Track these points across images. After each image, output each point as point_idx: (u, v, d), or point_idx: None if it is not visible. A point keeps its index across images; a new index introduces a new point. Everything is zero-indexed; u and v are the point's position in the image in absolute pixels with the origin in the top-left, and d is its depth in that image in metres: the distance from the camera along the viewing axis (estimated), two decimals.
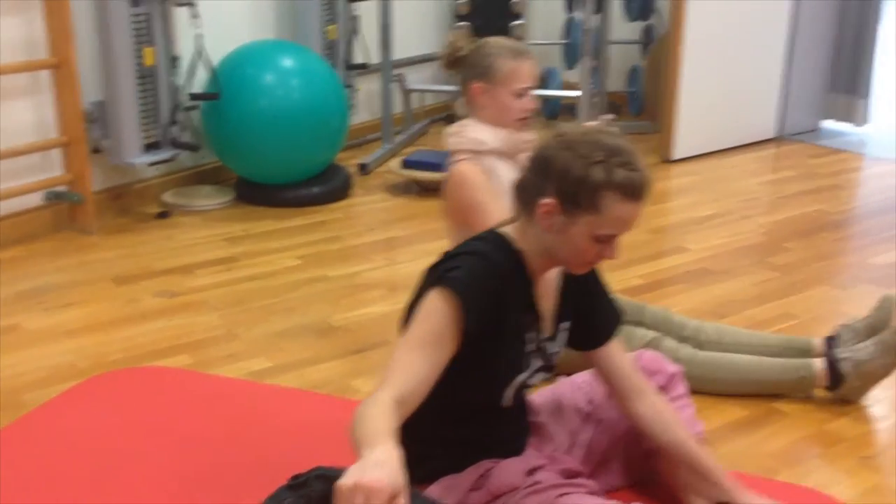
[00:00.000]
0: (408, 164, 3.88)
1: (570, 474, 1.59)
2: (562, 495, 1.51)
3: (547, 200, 1.43)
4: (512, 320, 1.48)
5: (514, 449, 1.62)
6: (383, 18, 4.27)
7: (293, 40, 4.01)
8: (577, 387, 1.75)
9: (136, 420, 2.08)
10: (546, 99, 5.12)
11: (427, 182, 3.89)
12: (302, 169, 3.75)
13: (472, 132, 2.12)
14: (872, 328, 2.25)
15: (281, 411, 2.16)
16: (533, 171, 1.48)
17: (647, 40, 4.95)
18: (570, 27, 4.99)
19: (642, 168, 1.44)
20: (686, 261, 3.17)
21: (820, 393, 2.25)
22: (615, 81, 5.06)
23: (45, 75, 3.31)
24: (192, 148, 3.57)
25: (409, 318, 1.47)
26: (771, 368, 2.22)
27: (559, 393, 1.76)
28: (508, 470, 1.55)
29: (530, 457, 1.61)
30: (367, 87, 4.57)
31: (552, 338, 1.60)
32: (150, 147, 3.49)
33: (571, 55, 4.97)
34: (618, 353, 1.66)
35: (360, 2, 4.25)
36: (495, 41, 2.13)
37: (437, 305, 1.40)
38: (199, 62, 3.47)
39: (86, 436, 2.00)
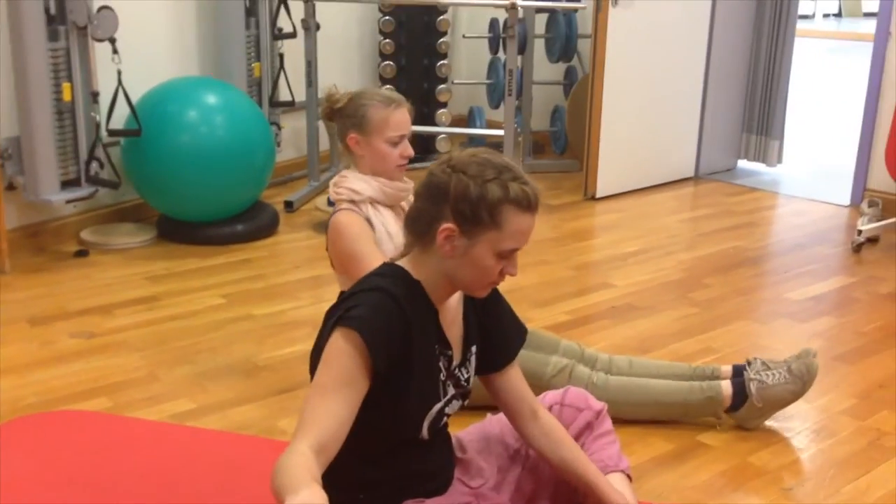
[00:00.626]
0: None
1: None
2: None
3: (446, 225, 1.44)
4: (421, 351, 1.47)
5: (440, 484, 1.60)
6: (308, 56, 4.28)
7: (217, 77, 3.97)
8: (506, 423, 1.75)
9: (51, 466, 2.00)
10: (471, 137, 5.18)
11: None
12: (226, 206, 3.69)
13: (350, 182, 2.16)
14: (794, 380, 2.31)
15: (204, 454, 2.10)
16: (426, 200, 1.49)
17: (569, 81, 5.07)
18: (494, 67, 5.08)
19: (531, 181, 1.50)
20: (611, 297, 3.22)
21: (731, 429, 2.30)
22: (539, 121, 5.15)
23: None
24: (111, 185, 3.49)
25: (314, 362, 1.45)
26: (679, 391, 2.29)
27: (487, 429, 1.76)
28: None
29: (456, 493, 1.60)
30: (293, 125, 4.55)
31: (463, 363, 1.60)
32: (68, 184, 3.40)
33: (496, 95, 5.05)
34: (515, 374, 1.67)
35: (285, 39, 4.24)
36: (370, 91, 2.20)
37: (341, 346, 1.38)
38: (120, 98, 3.41)
39: (1, 483, 1.91)
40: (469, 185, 1.44)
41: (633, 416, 2.29)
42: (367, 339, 1.38)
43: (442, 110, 5.03)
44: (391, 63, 4.93)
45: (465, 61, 5.61)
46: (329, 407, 1.35)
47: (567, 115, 4.98)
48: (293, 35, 4.26)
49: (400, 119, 2.15)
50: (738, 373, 2.33)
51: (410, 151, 2.20)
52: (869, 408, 2.43)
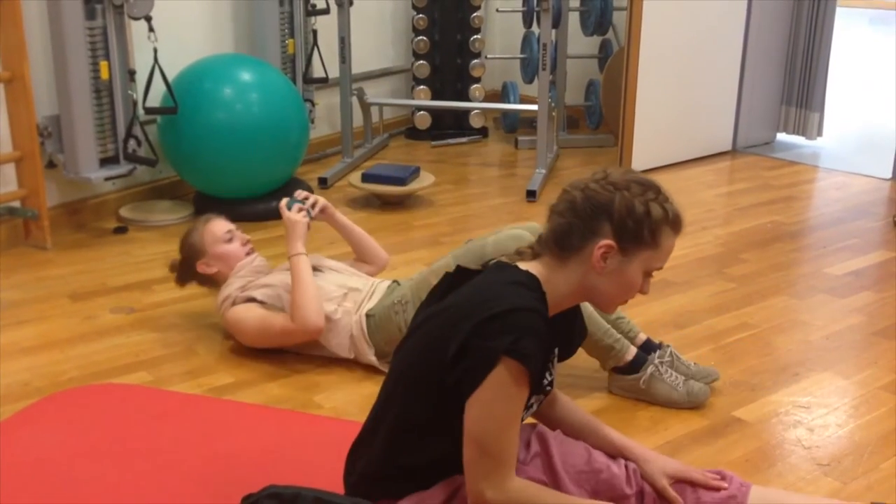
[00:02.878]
0: (367, 178, 3.88)
1: (539, 482, 1.59)
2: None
3: (606, 242, 1.46)
4: (544, 363, 1.50)
5: None
6: (342, 32, 4.27)
7: (251, 54, 3.99)
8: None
9: (93, 439, 2.04)
10: (505, 113, 5.15)
11: (387, 196, 3.88)
12: (261, 183, 3.72)
13: (221, 294, 2.58)
14: (687, 374, 2.33)
15: (241, 428, 2.13)
16: (581, 215, 1.48)
17: (604, 55, 5.02)
18: (528, 41, 5.04)
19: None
20: None
21: (768, 405, 2.29)
22: (573, 95, 5.11)
23: None
24: (148, 162, 3.53)
25: (410, 351, 1.50)
26: (599, 327, 2.28)
27: None
28: None
29: None
30: (327, 102, 4.56)
31: (551, 369, 1.61)
32: (107, 161, 3.44)
33: (530, 69, 5.01)
34: None
35: (318, 16, 4.24)
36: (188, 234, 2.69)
37: (513, 380, 1.38)
38: (156, 76, 3.44)
39: (43, 455, 1.96)
40: (634, 204, 1.47)
41: None
42: (532, 372, 1.40)
43: (475, 85, 5.00)
44: (424, 38, 4.91)
45: (499, 35, 5.57)
46: (517, 438, 1.44)
47: (602, 89, 4.93)
48: (326, 11, 4.26)
49: (218, 226, 2.64)
50: (647, 349, 2.34)
51: (242, 240, 2.68)
52: None
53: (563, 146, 4.84)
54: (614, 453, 1.65)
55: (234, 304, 2.52)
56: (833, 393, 2.36)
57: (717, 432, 2.17)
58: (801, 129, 4.94)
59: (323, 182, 4.13)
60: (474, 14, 4.94)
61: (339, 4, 4.23)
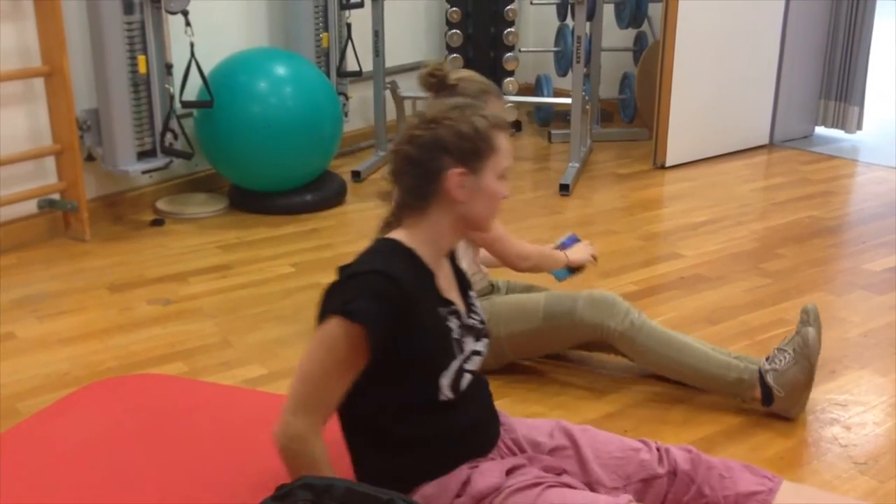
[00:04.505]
0: None
1: (551, 470, 1.60)
2: (547, 488, 1.50)
3: (453, 171, 1.51)
4: (426, 320, 1.51)
5: (483, 441, 1.60)
6: (375, 26, 4.28)
7: (286, 48, 4.01)
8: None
9: (130, 428, 2.07)
10: (538, 106, 5.13)
11: None
12: (295, 176, 3.75)
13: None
14: (802, 355, 2.20)
15: (275, 419, 2.15)
16: (416, 165, 1.53)
17: (639, 48, 4.97)
18: (562, 34, 5.01)
19: None
20: (680, 267, 3.17)
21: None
22: (607, 88, 5.07)
23: (38, 83, 3.30)
24: (185, 156, 3.57)
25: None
26: (718, 363, 2.22)
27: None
28: (489, 472, 1.55)
29: (510, 458, 1.61)
30: (360, 95, 4.57)
31: (470, 310, 1.62)
32: (144, 155, 3.49)
33: (563, 62, 4.98)
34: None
35: (352, 9, 4.26)
36: None
37: (342, 335, 1.44)
38: (192, 70, 3.47)
39: (81, 444, 1.99)
40: (460, 128, 1.52)
41: (660, 369, 2.27)
42: (368, 329, 1.43)
43: (509, 79, 4.99)
44: (458, 31, 4.90)
45: (533, 28, 5.55)
46: (334, 391, 1.48)
47: (636, 83, 4.89)
48: (360, 5, 4.27)
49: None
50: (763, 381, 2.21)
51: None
52: None
53: (597, 140, 4.81)
54: None
55: None
56: (870, 391, 2.33)
57: (752, 429, 2.15)
58: (840, 123, 4.86)
59: (356, 175, 4.15)
60: (508, 7, 4.92)
61: None
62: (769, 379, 2.16)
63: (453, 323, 1.55)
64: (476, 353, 1.59)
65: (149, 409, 2.19)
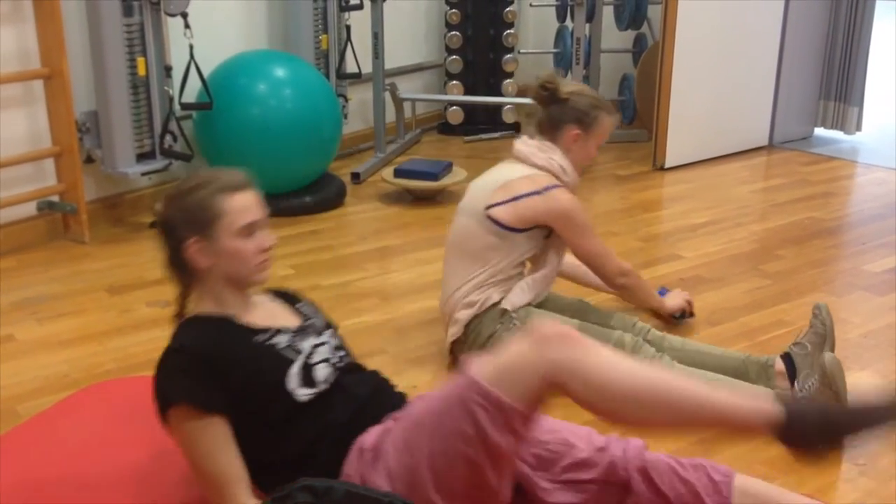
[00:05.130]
0: (400, 174, 3.89)
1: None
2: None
3: (189, 242, 1.64)
4: (241, 350, 1.61)
5: (376, 416, 1.65)
6: (375, 28, 4.28)
7: (285, 50, 4.01)
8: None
9: (129, 430, 2.07)
10: None
11: (419, 191, 3.89)
12: (295, 178, 3.75)
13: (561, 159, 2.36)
14: (820, 337, 2.22)
15: None
16: (164, 242, 1.70)
17: (639, 49, 4.98)
18: (561, 36, 5.01)
19: (229, 171, 1.71)
20: (680, 268, 3.17)
21: None
22: (607, 90, 5.07)
23: (37, 85, 3.30)
24: (184, 158, 3.57)
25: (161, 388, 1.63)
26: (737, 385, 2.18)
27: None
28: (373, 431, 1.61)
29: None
30: (360, 97, 4.58)
31: (306, 320, 1.74)
32: (143, 157, 3.49)
33: (563, 64, 4.99)
34: None
35: (351, 11, 4.26)
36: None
37: (183, 420, 1.57)
38: (192, 72, 3.47)
39: (80, 446, 1.99)
40: (184, 201, 1.65)
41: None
42: (198, 402, 1.55)
43: (508, 80, 4.99)
44: (457, 33, 4.91)
45: (533, 30, 5.55)
46: (229, 458, 1.57)
47: (636, 84, 4.90)
48: (360, 6, 4.27)
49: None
50: (789, 364, 2.21)
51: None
52: None
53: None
54: None
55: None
56: (870, 392, 2.32)
57: None
58: (839, 124, 4.87)
59: (356, 177, 4.15)
60: (507, 9, 4.93)
61: (373, 0, 4.24)
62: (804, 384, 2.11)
63: (279, 338, 1.66)
64: (320, 344, 1.69)
65: (148, 411, 2.18)
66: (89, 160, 3.47)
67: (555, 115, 2.31)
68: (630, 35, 5.01)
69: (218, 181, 1.65)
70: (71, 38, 3.28)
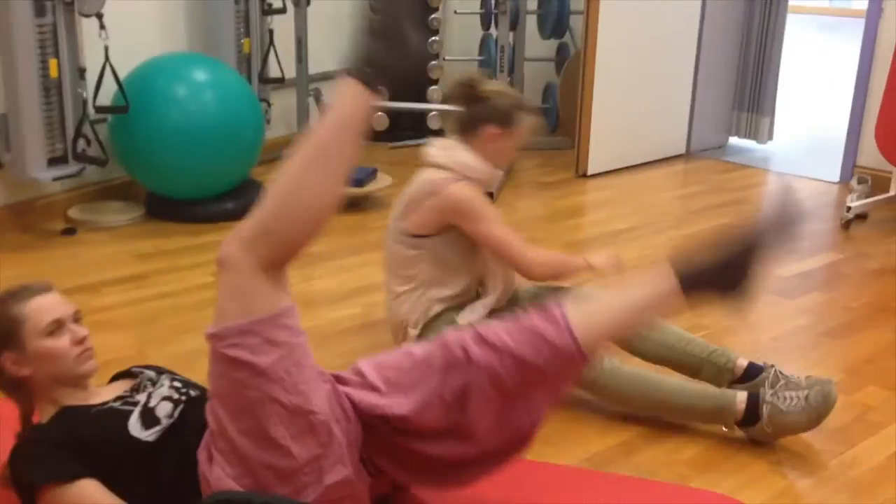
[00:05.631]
0: None
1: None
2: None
3: (2, 359, 1.66)
4: (85, 424, 1.63)
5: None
6: (298, 32, 4.24)
7: (206, 53, 3.94)
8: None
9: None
10: None
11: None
12: (216, 184, 3.68)
13: (461, 156, 2.33)
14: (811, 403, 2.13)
15: None
16: None
17: (561, 58, 5.05)
18: (486, 44, 5.05)
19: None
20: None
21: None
22: (530, 97, 5.13)
23: None
24: (98, 162, 3.47)
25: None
26: (691, 394, 2.17)
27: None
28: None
29: None
30: (283, 102, 4.52)
31: (136, 381, 1.77)
32: (55, 161, 3.38)
33: (487, 71, 5.02)
34: None
35: (274, 15, 4.21)
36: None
37: (59, 501, 1.54)
38: (107, 74, 3.38)
39: None
40: None
41: (634, 409, 2.22)
42: (62, 476, 1.54)
43: (433, 87, 5.00)
44: None
45: (457, 38, 5.58)
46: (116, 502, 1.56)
47: (559, 92, 4.97)
48: (283, 10, 4.22)
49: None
50: (752, 373, 2.22)
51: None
52: (856, 383, 2.45)
53: (521, 148, 4.85)
54: None
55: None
56: None
57: (670, 432, 2.19)
58: (752, 133, 5.03)
59: None
60: (432, 16, 4.94)
61: (296, 4, 4.20)
62: (764, 410, 2.08)
63: (115, 402, 1.68)
64: (157, 388, 1.71)
65: None
66: None
67: (474, 114, 2.30)
68: (553, 44, 5.08)
69: (13, 293, 1.69)
70: None
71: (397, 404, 1.58)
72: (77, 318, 1.72)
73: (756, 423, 2.10)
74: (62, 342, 1.66)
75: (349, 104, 1.59)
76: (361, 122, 1.60)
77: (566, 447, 2.11)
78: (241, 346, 1.48)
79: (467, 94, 2.31)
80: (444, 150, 2.32)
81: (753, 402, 2.10)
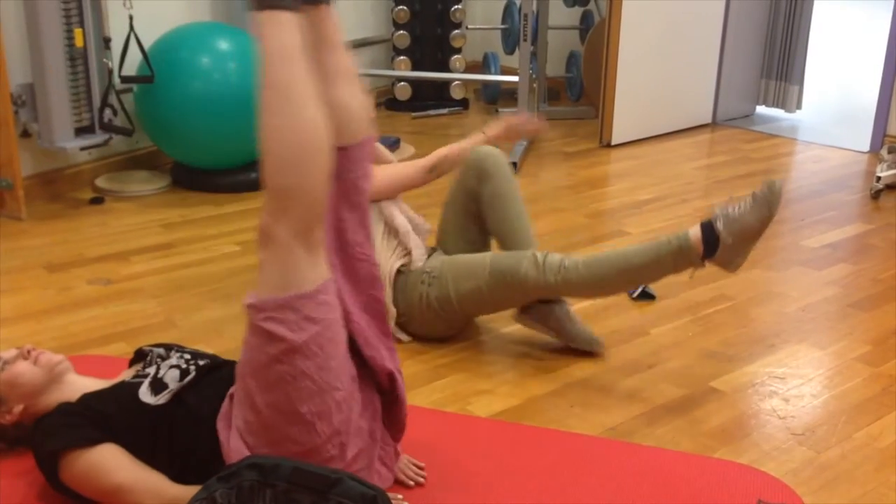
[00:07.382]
0: None
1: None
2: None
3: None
4: (100, 397, 1.73)
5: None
6: None
7: (229, 23, 3.93)
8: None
9: None
10: (486, 84, 5.13)
11: None
12: (240, 154, 3.69)
13: None
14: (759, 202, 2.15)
15: None
16: None
17: (586, 26, 4.99)
18: (509, 12, 5.00)
19: None
20: (625, 244, 3.20)
21: (744, 376, 2.31)
22: (554, 67, 5.09)
23: None
24: (124, 132, 3.49)
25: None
26: (650, 248, 2.21)
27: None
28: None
29: None
30: None
31: (147, 359, 1.84)
32: (82, 131, 3.40)
33: (510, 40, 4.98)
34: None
35: None
36: None
37: (79, 465, 1.61)
38: (132, 44, 3.38)
39: None
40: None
41: (613, 288, 2.31)
42: (81, 442, 1.61)
43: (456, 56, 4.97)
44: (405, 8, 4.87)
45: (480, 6, 5.53)
46: (135, 466, 1.63)
47: (583, 61, 4.92)
48: None
49: None
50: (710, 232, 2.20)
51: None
52: (883, 355, 2.44)
53: (545, 118, 4.82)
54: None
55: None
56: (808, 364, 2.39)
57: (693, 403, 2.19)
58: (780, 102, 4.96)
59: None
60: None
61: None
62: (718, 224, 2.10)
63: (129, 378, 1.78)
64: (164, 361, 1.79)
65: None
66: (25, 134, 3.37)
67: None
68: (577, 12, 5.02)
69: None
70: (4, 6, 3.17)
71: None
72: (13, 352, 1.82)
73: (717, 245, 2.11)
74: (17, 365, 1.77)
75: (277, 36, 1.52)
76: (299, 44, 1.53)
77: (589, 417, 2.12)
78: (279, 320, 1.48)
79: None
80: None
81: (708, 228, 2.13)
